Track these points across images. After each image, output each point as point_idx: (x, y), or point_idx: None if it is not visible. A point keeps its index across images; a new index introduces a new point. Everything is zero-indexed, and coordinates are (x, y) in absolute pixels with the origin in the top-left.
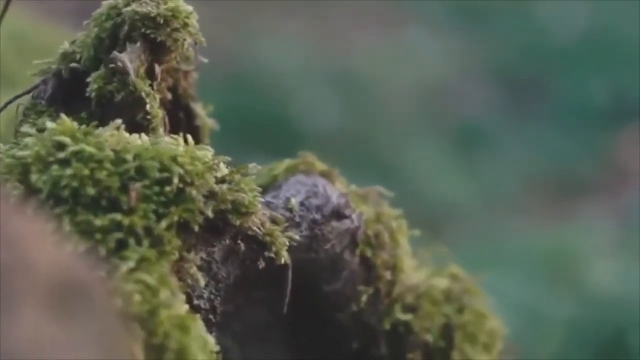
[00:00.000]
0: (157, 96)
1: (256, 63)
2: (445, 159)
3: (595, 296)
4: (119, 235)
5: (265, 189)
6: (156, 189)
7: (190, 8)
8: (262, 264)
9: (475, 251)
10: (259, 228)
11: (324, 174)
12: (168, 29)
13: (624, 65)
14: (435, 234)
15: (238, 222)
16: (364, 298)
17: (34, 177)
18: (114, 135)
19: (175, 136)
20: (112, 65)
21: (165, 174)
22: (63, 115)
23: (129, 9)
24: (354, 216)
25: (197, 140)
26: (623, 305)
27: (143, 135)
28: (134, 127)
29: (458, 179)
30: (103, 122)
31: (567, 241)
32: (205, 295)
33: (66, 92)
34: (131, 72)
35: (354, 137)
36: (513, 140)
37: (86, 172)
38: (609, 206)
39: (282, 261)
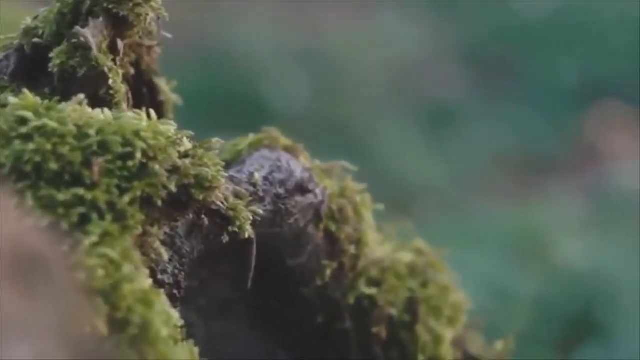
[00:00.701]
0: (120, 71)
1: (228, 43)
2: (415, 138)
3: (563, 272)
4: (81, 209)
5: (229, 164)
6: (119, 163)
7: None
8: (225, 239)
9: (444, 229)
10: (222, 202)
11: (288, 149)
12: (130, 4)
13: (591, 45)
14: (405, 212)
15: (201, 197)
16: (328, 272)
17: None
18: (76, 110)
19: (138, 111)
20: (74, 41)
21: (128, 149)
22: (25, 91)
23: None
24: (317, 191)
25: (161, 116)
26: (590, 281)
27: (106, 110)
28: (96, 102)
29: (428, 157)
30: (66, 97)
31: (535, 218)
32: (169, 270)
33: (29, 67)
34: (94, 47)
35: (324, 117)
36: (482, 119)
37: (49, 147)
38: (577, 184)
39: (246, 236)
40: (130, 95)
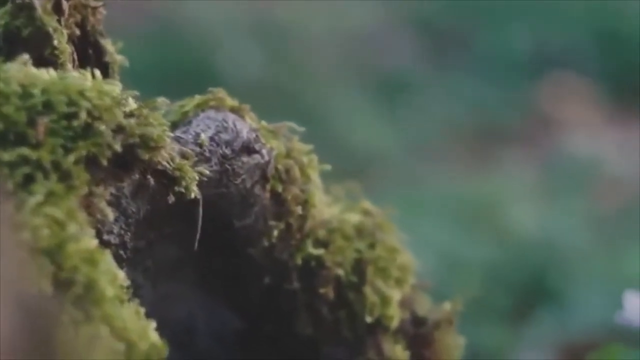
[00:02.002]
0: (65, 32)
1: (179, 14)
2: (367, 107)
3: (515, 240)
4: (26, 169)
5: (175, 125)
6: (64, 123)
7: None
8: (172, 199)
9: (396, 197)
10: (168, 163)
11: (235, 110)
12: None
13: (545, 15)
14: (359, 182)
15: (147, 157)
16: (275, 233)
17: None
18: (21, 70)
19: (83, 71)
20: (18, 1)
21: (73, 109)
22: None
23: None
24: (264, 151)
25: (106, 76)
26: (542, 248)
27: (51, 70)
28: (41, 62)
29: (380, 126)
30: (10, 58)
31: (488, 187)
32: (115, 231)
33: None
34: (38, 7)
35: (278, 87)
36: (436, 90)
37: None
38: (530, 153)
39: (192, 196)
40: (75, 56)
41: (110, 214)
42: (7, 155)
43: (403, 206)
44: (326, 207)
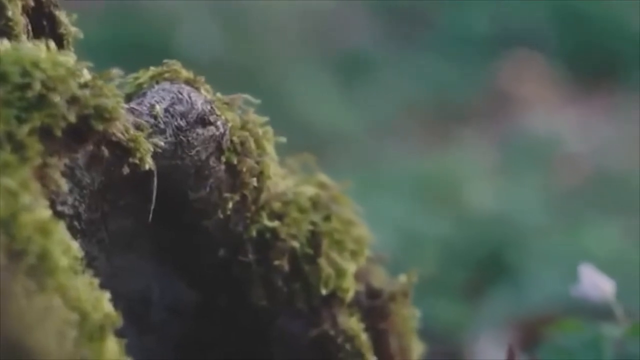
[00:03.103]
0: (19, 2)
1: None
2: (327, 86)
3: (473, 217)
4: None
5: (130, 98)
6: (17, 94)
7: None
8: (126, 170)
9: (357, 175)
10: (122, 134)
11: (189, 82)
12: None
13: None
14: (319, 159)
15: (101, 128)
16: (230, 205)
17: None
18: None
19: (38, 42)
20: None
21: (27, 79)
22: None
23: None
24: (219, 123)
25: (61, 48)
26: (500, 225)
27: (4, 40)
28: None
29: (342, 106)
30: None
31: (448, 165)
32: (69, 202)
33: None
34: None
35: (236, 65)
36: (396, 68)
37: None
38: (489, 131)
39: (147, 168)
40: (29, 27)
41: (65, 185)
42: None
43: (362, 183)
44: (281, 179)
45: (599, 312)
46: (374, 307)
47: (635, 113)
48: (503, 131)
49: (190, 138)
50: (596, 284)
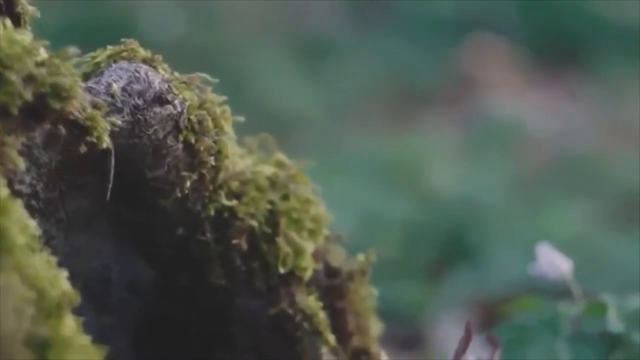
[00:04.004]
0: None
1: None
2: (290, 69)
3: (436, 199)
4: None
5: (88, 77)
6: None
7: None
8: (83, 149)
9: (320, 159)
10: (79, 112)
11: (147, 61)
12: None
13: None
14: (281, 143)
15: (58, 106)
16: (187, 184)
17: None
18: None
19: None
20: None
21: None
22: None
23: None
24: (176, 102)
25: (18, 26)
26: (462, 207)
27: None
28: None
29: (303, 89)
30: None
31: (410, 148)
32: (26, 180)
33: None
34: None
35: (200, 49)
36: (358, 52)
37: None
38: (452, 114)
39: (104, 146)
40: None
41: (22, 164)
42: None
43: (325, 166)
44: (240, 158)
45: (559, 292)
46: (332, 286)
47: (597, 96)
48: (466, 114)
49: (147, 117)
50: (553, 262)
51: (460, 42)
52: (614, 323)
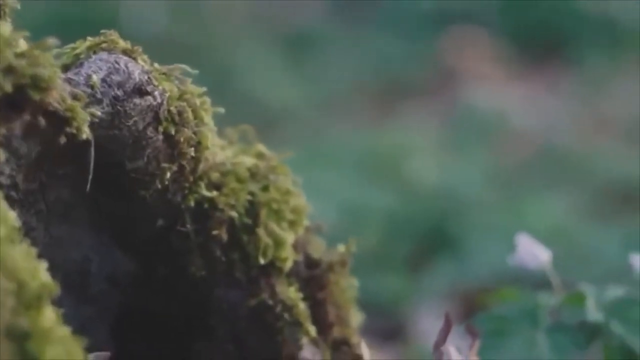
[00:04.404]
0: None
1: None
2: (275, 63)
3: (417, 191)
4: None
5: (67, 68)
6: None
7: None
8: (63, 140)
9: (302, 152)
10: (59, 104)
11: (127, 52)
12: None
13: None
14: (265, 136)
15: (38, 98)
16: (167, 175)
17: None
18: None
19: None
20: None
21: None
22: None
23: None
24: (156, 93)
25: None
26: (443, 199)
27: None
28: None
29: (288, 82)
30: None
31: (392, 140)
32: (6, 172)
33: None
34: None
35: (184, 42)
36: (342, 45)
37: None
38: (435, 107)
39: (84, 137)
40: None
41: (1, 155)
42: None
43: (308, 158)
44: (220, 150)
45: (538, 283)
46: (313, 277)
47: (578, 89)
48: (448, 107)
49: (127, 108)
50: (532, 252)
51: (442, 35)
52: (593, 313)
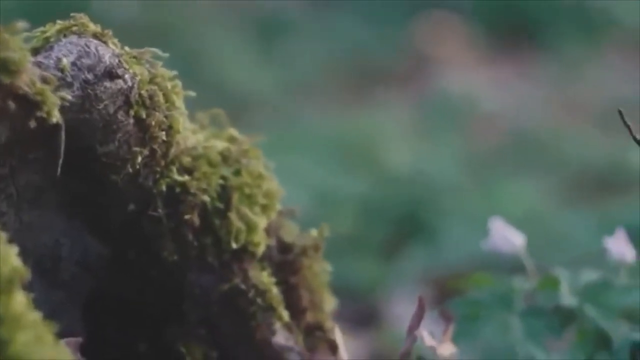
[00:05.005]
0: None
1: None
2: (246, 48)
3: (390, 176)
4: None
5: (37, 52)
6: None
7: None
8: (33, 124)
9: (274, 137)
10: (29, 87)
11: (97, 35)
12: None
13: None
14: (236, 121)
15: (7, 81)
16: (139, 159)
17: None
18: None
19: None
20: None
21: None
22: None
23: None
24: (127, 76)
25: None
26: (416, 184)
27: None
28: None
29: (259, 67)
30: None
31: (365, 125)
32: None
33: None
34: None
35: (156, 29)
36: (314, 30)
37: None
38: (407, 92)
39: (54, 121)
40: None
41: None
42: None
43: (280, 143)
44: (191, 134)
45: (512, 268)
46: (286, 262)
47: (550, 73)
48: (420, 92)
49: (97, 91)
50: (506, 236)
51: (415, 20)
52: (567, 297)
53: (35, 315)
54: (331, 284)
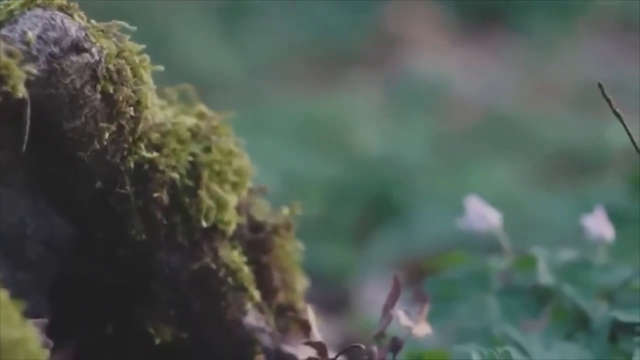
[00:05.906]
0: None
1: None
2: (212, 30)
3: (361, 159)
4: None
5: (2, 25)
6: None
7: None
8: None
9: (242, 119)
10: None
11: (63, 8)
12: None
13: None
14: (203, 102)
15: None
16: (106, 135)
17: None
18: None
19: None
20: None
21: None
22: None
23: None
24: (94, 50)
25: None
26: (387, 167)
27: None
28: None
29: (225, 50)
30: None
31: (335, 108)
32: None
33: None
34: None
35: (121, 12)
36: (282, 12)
37: None
38: (377, 75)
39: (20, 96)
40: None
41: None
42: None
43: (247, 126)
44: (160, 109)
45: (487, 248)
46: (257, 240)
47: (522, 55)
48: (390, 73)
49: (64, 65)
50: (482, 214)
51: (385, 1)
52: (545, 276)
53: (3, 295)
54: (302, 269)
